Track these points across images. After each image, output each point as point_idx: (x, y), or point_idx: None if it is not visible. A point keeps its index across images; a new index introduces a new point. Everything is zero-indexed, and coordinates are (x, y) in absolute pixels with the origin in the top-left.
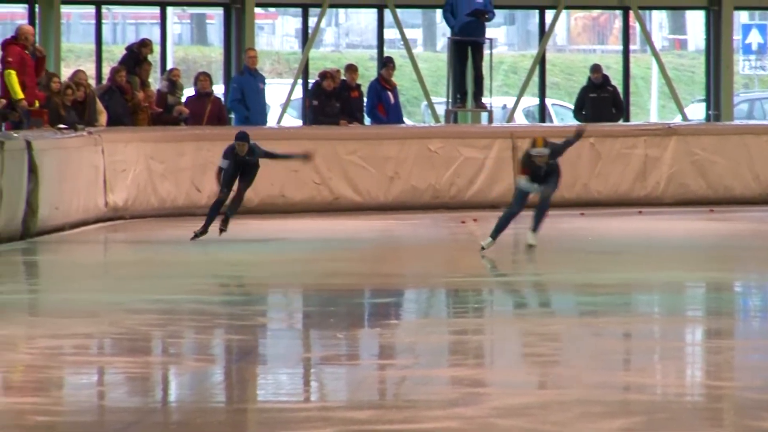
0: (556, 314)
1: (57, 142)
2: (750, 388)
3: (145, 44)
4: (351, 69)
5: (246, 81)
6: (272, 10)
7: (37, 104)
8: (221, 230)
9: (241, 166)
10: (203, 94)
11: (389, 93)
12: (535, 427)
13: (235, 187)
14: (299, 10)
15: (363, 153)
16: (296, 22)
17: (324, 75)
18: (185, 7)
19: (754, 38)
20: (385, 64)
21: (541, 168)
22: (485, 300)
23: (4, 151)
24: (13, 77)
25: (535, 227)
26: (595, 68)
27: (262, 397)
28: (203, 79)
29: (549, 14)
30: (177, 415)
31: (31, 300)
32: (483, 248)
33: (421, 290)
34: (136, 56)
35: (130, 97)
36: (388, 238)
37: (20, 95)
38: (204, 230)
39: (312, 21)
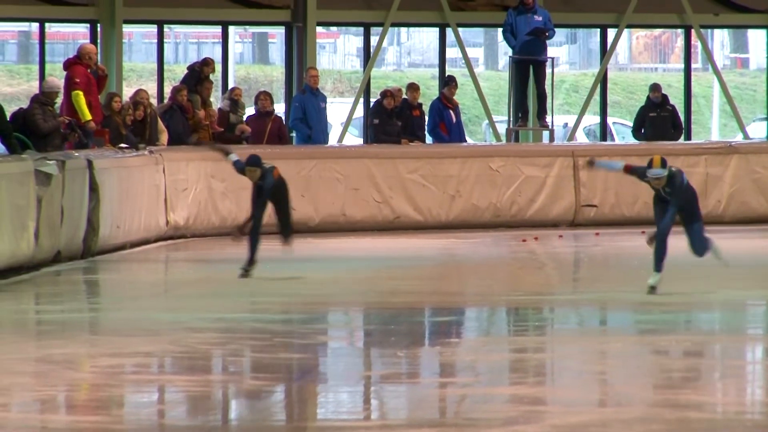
0: (616, 332)
1: (118, 161)
2: None
3: (206, 63)
4: (412, 88)
5: (307, 100)
6: (334, 29)
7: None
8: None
9: (260, 191)
10: (264, 113)
11: (451, 112)
12: None
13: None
14: (361, 29)
15: (424, 172)
16: (358, 41)
17: (385, 94)
18: (247, 27)
19: None
20: (447, 82)
21: (660, 191)
22: (546, 318)
23: (66, 170)
24: (81, 98)
25: (658, 267)
26: (655, 87)
27: (321, 415)
28: (264, 98)
29: (611, 33)
30: None
31: (92, 318)
32: (652, 288)
33: (481, 308)
34: (198, 75)
35: (191, 115)
36: (449, 257)
37: (88, 116)
38: (251, 263)
39: (374, 40)
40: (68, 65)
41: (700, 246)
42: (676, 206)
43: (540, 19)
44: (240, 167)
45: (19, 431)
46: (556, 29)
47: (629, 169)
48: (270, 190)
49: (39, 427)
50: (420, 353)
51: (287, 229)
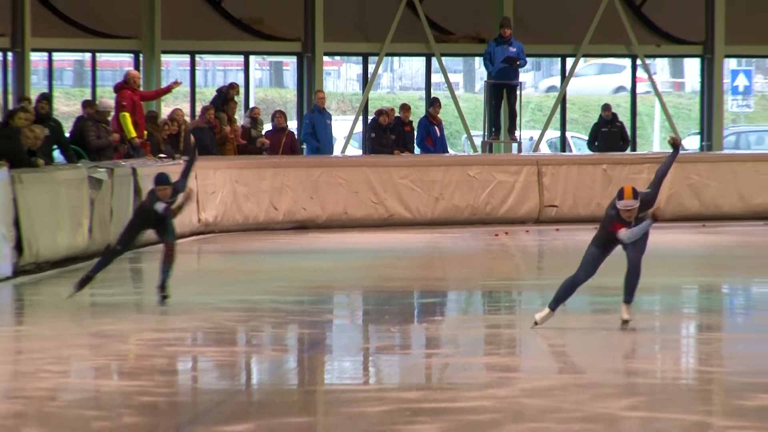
0: (574, 312)
1: (157, 169)
2: (736, 373)
3: (232, 87)
4: (404, 108)
5: (316, 118)
6: (338, 58)
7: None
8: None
9: (150, 217)
10: (279, 129)
11: (436, 128)
12: (557, 405)
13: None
14: (360, 58)
15: (413, 177)
16: (358, 68)
17: (380, 112)
18: (265, 56)
19: (741, 81)
20: (432, 103)
21: (630, 223)
22: (515, 300)
23: (114, 176)
24: (127, 119)
25: (629, 298)
26: (606, 107)
27: (328, 381)
28: (279, 117)
29: (569, 61)
30: (257, 395)
31: (137, 300)
32: (536, 323)
33: (461, 292)
34: (224, 97)
35: (219, 131)
36: (434, 249)
37: (133, 134)
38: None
39: (371, 67)
40: (117, 89)
41: (634, 288)
42: (640, 253)
43: (514, 50)
44: (151, 198)
45: (77, 394)
46: (529, 57)
47: (615, 227)
48: (165, 213)
49: (93, 390)
50: (410, 329)
51: (171, 254)
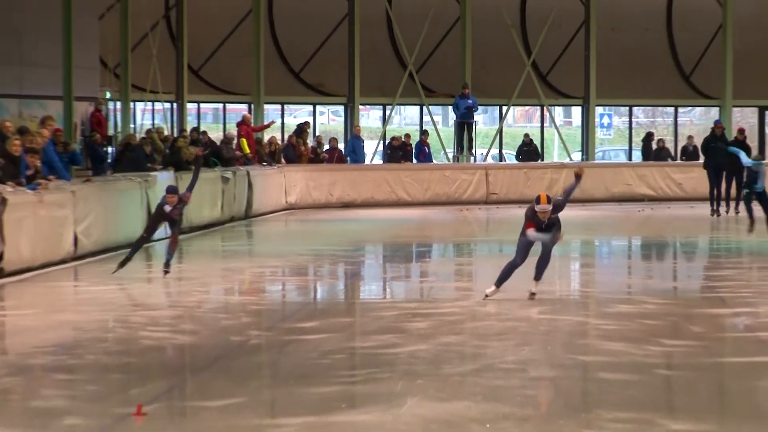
0: (509, 253)
1: (262, 171)
2: (603, 292)
3: (306, 123)
4: (407, 136)
5: (355, 141)
6: (367, 106)
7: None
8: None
9: (163, 215)
10: (333, 148)
11: (426, 147)
12: (496, 311)
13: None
14: (381, 106)
15: (412, 177)
16: (379, 112)
17: (393, 138)
18: (325, 105)
19: (605, 120)
20: (423, 133)
21: (543, 222)
22: (472, 249)
23: (236, 176)
24: (244, 143)
25: (538, 276)
26: (526, 135)
27: (362, 296)
28: (333, 141)
29: (504, 108)
30: (321, 305)
31: (248, 249)
32: (486, 296)
33: (440, 244)
34: (301, 129)
35: (298, 149)
36: (424, 219)
37: (248, 152)
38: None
39: (387, 112)
40: (238, 125)
41: (542, 269)
42: (558, 228)
43: (471, 101)
44: (162, 202)
45: (213, 305)
46: (481, 105)
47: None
48: (180, 215)
49: (224, 302)
50: (410, 266)
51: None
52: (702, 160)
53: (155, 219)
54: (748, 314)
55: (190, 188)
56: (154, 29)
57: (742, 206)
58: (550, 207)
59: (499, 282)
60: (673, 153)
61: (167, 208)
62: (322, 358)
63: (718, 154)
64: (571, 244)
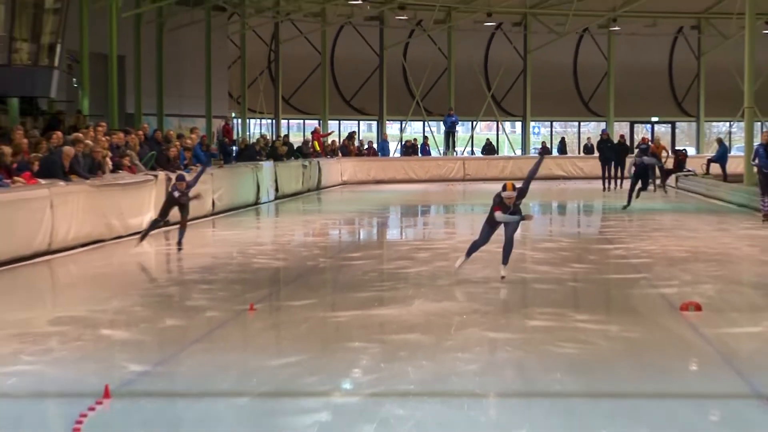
0: (481, 211)
1: (327, 161)
2: (536, 234)
3: (353, 132)
4: (415, 141)
5: (383, 143)
6: (390, 121)
7: (319, 149)
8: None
9: (173, 199)
10: (370, 147)
11: (426, 147)
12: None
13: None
14: (399, 121)
15: (419, 164)
16: (398, 125)
17: (406, 141)
18: (360, 120)
19: (536, 130)
20: (425, 139)
21: (509, 207)
22: (457, 209)
23: (311, 164)
24: (316, 144)
25: (505, 261)
26: (488, 141)
27: (388, 238)
28: (370, 143)
29: (476, 123)
30: (362, 243)
31: (318, 208)
32: (457, 267)
33: (436, 206)
34: (350, 136)
35: (348, 148)
36: (425, 190)
37: (318, 149)
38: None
39: (402, 124)
40: (312, 133)
41: (508, 254)
42: (517, 221)
43: (454, 118)
44: (173, 189)
45: (297, 242)
46: (460, 121)
47: (495, 209)
48: (187, 198)
49: (303, 241)
50: (417, 219)
51: (184, 226)
52: (596, 154)
53: (167, 203)
54: (623, 248)
55: (196, 180)
56: (261, 74)
57: (625, 185)
58: (514, 194)
59: (467, 256)
60: (577, 150)
61: (175, 193)
62: (363, 276)
63: (605, 150)
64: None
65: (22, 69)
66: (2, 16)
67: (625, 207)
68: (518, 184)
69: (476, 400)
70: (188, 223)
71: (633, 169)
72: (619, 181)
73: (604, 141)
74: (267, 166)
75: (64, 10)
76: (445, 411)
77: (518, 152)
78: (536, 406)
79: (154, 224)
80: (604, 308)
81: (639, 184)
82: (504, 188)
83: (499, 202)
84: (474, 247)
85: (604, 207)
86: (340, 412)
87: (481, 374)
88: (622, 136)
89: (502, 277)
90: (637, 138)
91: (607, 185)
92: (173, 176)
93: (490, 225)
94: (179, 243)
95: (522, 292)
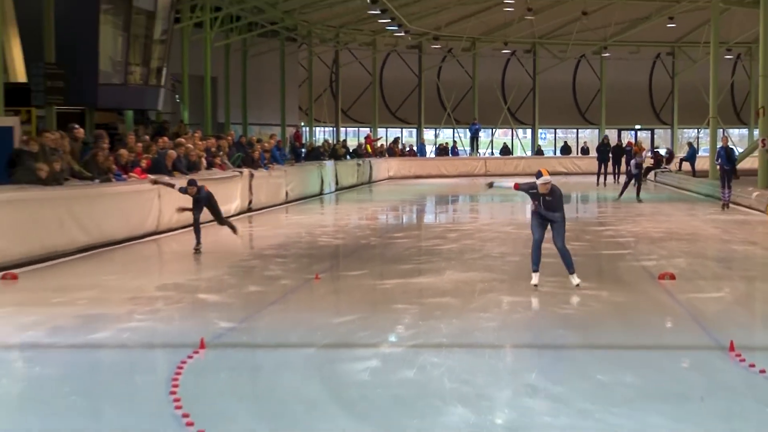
0: (498, 201)
1: (377, 160)
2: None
3: (397, 138)
4: (447, 144)
5: (421, 146)
6: (427, 129)
7: (370, 151)
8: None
9: (198, 201)
10: (411, 149)
11: (456, 149)
12: (491, 229)
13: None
14: (434, 129)
15: (450, 163)
16: (432, 131)
17: (440, 145)
18: (402, 128)
19: (543, 136)
20: (455, 143)
21: (545, 195)
22: (480, 196)
23: (364, 162)
24: (368, 147)
25: (571, 269)
26: (504, 144)
27: (424, 221)
28: (411, 147)
29: (494, 129)
30: (404, 225)
31: (369, 197)
32: (536, 286)
33: (463, 195)
34: (396, 140)
35: (394, 150)
36: (455, 184)
37: (370, 151)
38: (198, 244)
39: (437, 131)
40: (365, 138)
41: (570, 262)
42: (561, 213)
43: (478, 126)
44: (182, 190)
45: (353, 224)
46: (482, 128)
47: (517, 187)
48: (206, 198)
49: (357, 223)
50: (448, 207)
51: (221, 221)
52: (594, 155)
53: (195, 205)
54: (612, 229)
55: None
56: (324, 91)
57: (620, 180)
58: (551, 180)
59: (535, 265)
60: (576, 151)
61: (182, 192)
62: (405, 251)
63: (603, 152)
64: (518, 198)
65: (135, 87)
66: (120, 46)
67: (617, 198)
68: (540, 181)
69: (495, 350)
70: (230, 218)
71: (631, 169)
72: (614, 176)
73: (604, 144)
74: (329, 164)
75: (169, 41)
76: (470, 359)
77: (528, 153)
78: (543, 355)
79: (195, 224)
80: (597, 277)
81: (633, 182)
82: (539, 174)
83: (534, 194)
84: (535, 249)
85: (598, 197)
86: (386, 359)
87: (498, 330)
88: (619, 141)
89: (577, 286)
90: (624, 142)
91: (601, 180)
92: (255, 172)
93: (538, 220)
94: (197, 246)
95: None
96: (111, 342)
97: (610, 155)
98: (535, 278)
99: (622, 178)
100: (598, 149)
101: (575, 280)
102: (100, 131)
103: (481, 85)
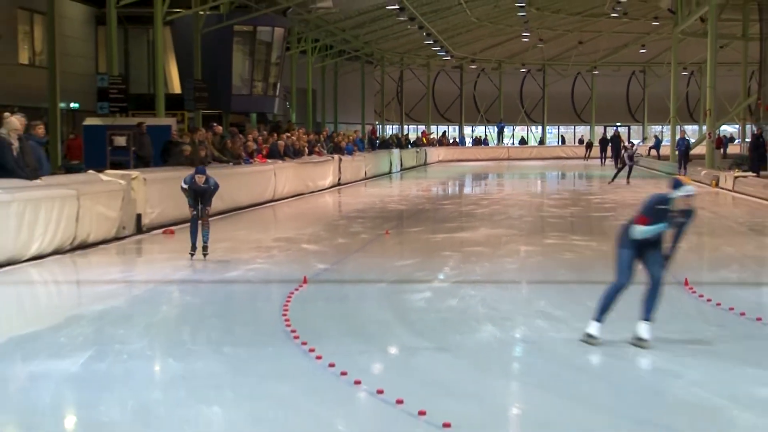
0: (519, 179)
1: (430, 149)
2: (550, 191)
3: (445, 132)
4: (480, 136)
5: (461, 138)
6: (466, 126)
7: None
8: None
9: (198, 192)
10: (454, 141)
11: (486, 140)
12: (513, 198)
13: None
14: (471, 126)
15: (482, 150)
16: (470, 128)
17: (475, 137)
18: (449, 126)
19: (551, 131)
20: (485, 137)
21: (672, 214)
22: (504, 176)
23: (420, 150)
24: (424, 139)
25: (648, 316)
26: (521, 137)
27: (464, 192)
28: (454, 139)
29: (516, 128)
30: (449, 195)
31: (424, 175)
32: (595, 338)
33: (492, 174)
34: (443, 134)
35: (443, 141)
36: (486, 166)
37: (425, 142)
38: (194, 248)
39: (472, 128)
40: (422, 133)
41: (653, 305)
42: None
43: (502, 124)
44: (187, 180)
45: (413, 194)
46: (506, 125)
47: (646, 220)
48: (213, 190)
49: (415, 193)
50: (481, 182)
51: (205, 223)
52: (588, 145)
53: (193, 195)
54: (600, 197)
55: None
56: (393, 99)
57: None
58: (694, 190)
59: (601, 314)
60: (573, 141)
61: (187, 180)
62: (450, 214)
63: (603, 142)
64: (532, 175)
65: (257, 97)
66: (247, 67)
67: (610, 182)
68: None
69: (515, 285)
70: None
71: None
72: (611, 160)
73: (604, 138)
74: (396, 151)
75: (282, 63)
76: (497, 291)
77: (538, 143)
78: (550, 289)
79: (193, 218)
80: (588, 232)
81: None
82: (678, 184)
83: (657, 209)
84: (613, 295)
85: (589, 175)
86: (437, 292)
87: (518, 271)
88: (616, 131)
89: (642, 341)
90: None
91: (603, 162)
92: (342, 157)
93: (635, 253)
94: (204, 248)
95: (541, 224)
96: (239, 278)
97: (610, 144)
98: (594, 328)
99: (610, 162)
100: (600, 140)
101: (645, 332)
102: (233, 128)
103: (505, 95)
